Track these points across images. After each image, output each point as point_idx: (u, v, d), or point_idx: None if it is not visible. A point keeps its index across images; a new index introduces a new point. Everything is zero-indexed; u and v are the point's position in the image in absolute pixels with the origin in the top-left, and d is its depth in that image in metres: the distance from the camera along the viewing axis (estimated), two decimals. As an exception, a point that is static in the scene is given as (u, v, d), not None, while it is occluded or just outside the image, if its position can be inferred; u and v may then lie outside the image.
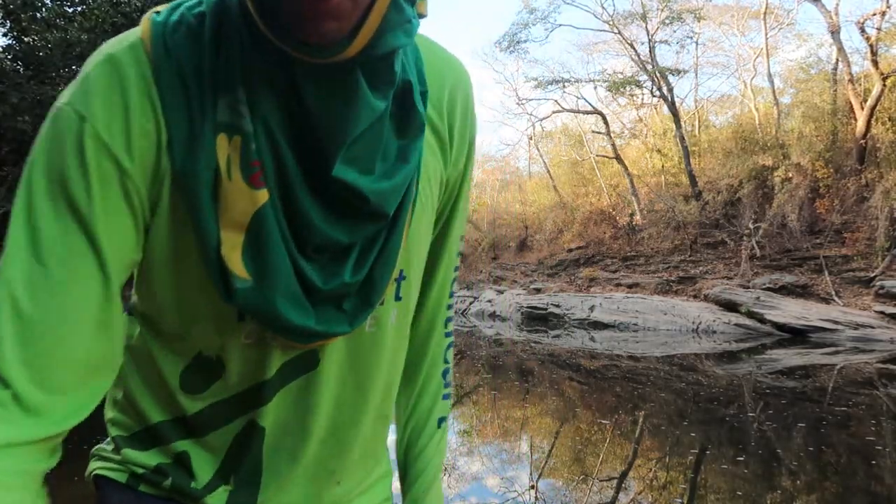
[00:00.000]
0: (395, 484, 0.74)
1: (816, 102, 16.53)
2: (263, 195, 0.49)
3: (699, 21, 20.91)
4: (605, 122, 23.01)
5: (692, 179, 18.21)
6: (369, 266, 0.55)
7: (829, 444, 4.28)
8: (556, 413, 5.45)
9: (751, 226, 15.21)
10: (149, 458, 0.60)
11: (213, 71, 0.49)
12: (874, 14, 14.34)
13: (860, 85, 15.04)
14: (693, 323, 13.11)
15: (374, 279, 0.56)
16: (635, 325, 13.87)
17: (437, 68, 0.61)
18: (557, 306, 16.00)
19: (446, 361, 0.77)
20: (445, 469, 3.60)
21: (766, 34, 18.98)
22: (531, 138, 28.37)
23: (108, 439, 0.64)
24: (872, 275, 12.48)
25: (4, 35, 9.30)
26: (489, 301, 19.07)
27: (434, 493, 0.73)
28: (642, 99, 23.99)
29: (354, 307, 0.56)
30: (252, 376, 0.57)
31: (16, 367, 0.45)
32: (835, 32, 15.41)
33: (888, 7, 14.11)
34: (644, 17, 20.37)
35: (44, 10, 9.35)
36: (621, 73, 23.19)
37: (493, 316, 17.71)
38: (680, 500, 3.17)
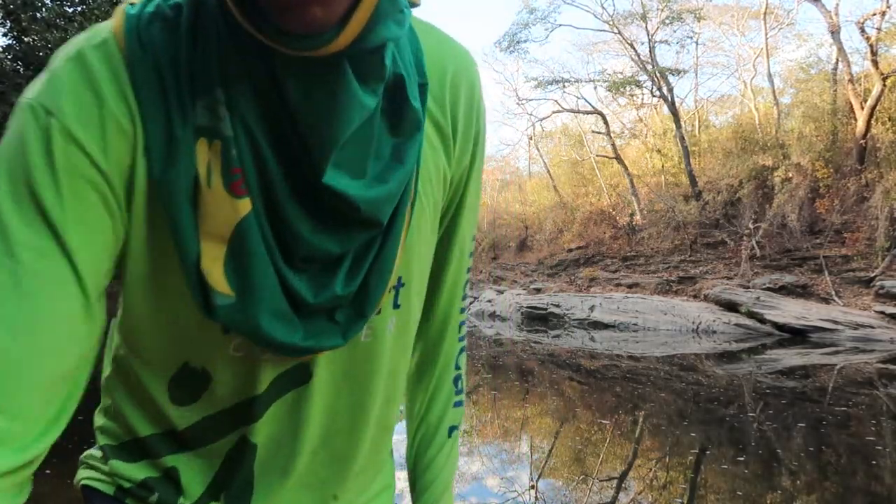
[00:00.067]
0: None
1: (816, 102, 16.53)
2: (246, 205, 0.45)
3: (699, 21, 20.91)
4: (605, 122, 23.01)
5: (692, 179, 18.21)
6: (363, 276, 0.51)
7: (829, 444, 4.28)
8: (556, 413, 5.45)
9: (751, 226, 15.21)
10: (136, 472, 0.58)
11: (190, 69, 0.44)
12: (874, 14, 14.34)
13: (860, 85, 15.04)
14: (693, 323, 13.10)
15: (369, 290, 0.52)
16: (635, 325, 13.87)
17: (438, 56, 0.56)
18: (557, 306, 16.00)
19: (458, 368, 0.72)
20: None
21: (766, 34, 18.98)
22: (531, 138, 28.39)
23: (98, 446, 0.61)
24: (872, 275, 12.48)
25: (4, 35, 9.31)
26: (489, 301, 19.07)
27: None
28: (642, 99, 24.01)
29: (348, 319, 0.52)
30: (242, 390, 0.54)
31: None
32: (835, 32, 15.41)
33: (888, 7, 14.11)
34: (644, 17, 20.37)
35: (44, 10, 9.35)
36: (621, 73, 23.21)
37: (493, 316, 17.71)
38: (680, 500, 3.16)
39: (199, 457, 0.57)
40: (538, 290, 19.50)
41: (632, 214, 20.14)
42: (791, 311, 12.23)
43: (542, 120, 29.50)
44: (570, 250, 21.20)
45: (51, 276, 0.42)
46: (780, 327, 11.90)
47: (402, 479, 0.74)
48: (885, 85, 13.78)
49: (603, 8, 29.64)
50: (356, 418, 0.59)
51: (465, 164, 0.61)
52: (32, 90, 0.43)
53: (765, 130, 17.76)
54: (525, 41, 24.14)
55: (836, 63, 16.28)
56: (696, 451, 4.13)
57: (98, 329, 0.46)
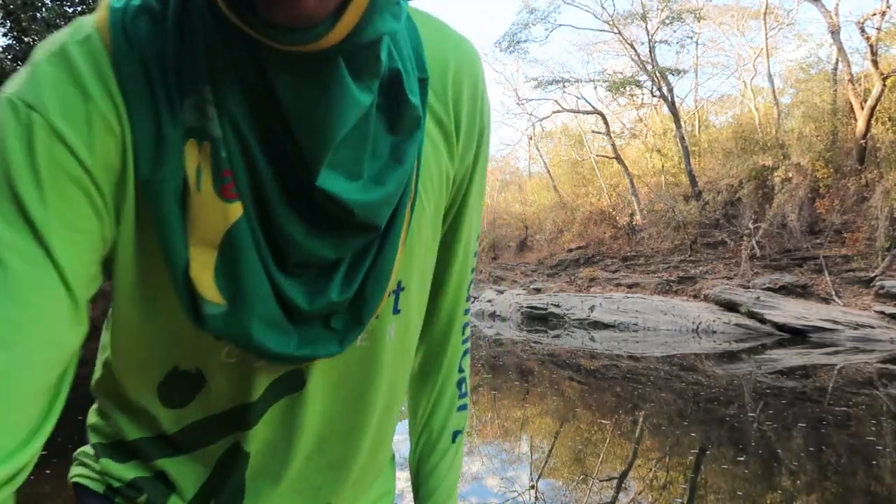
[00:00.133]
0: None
1: (816, 102, 16.53)
2: (237, 209, 0.43)
3: (699, 21, 20.91)
4: (605, 122, 23.01)
5: (692, 179, 18.21)
6: (360, 281, 0.49)
7: (829, 444, 4.28)
8: (556, 413, 5.45)
9: (751, 226, 15.20)
10: (126, 472, 0.56)
11: (177, 65, 0.41)
12: (874, 14, 14.34)
13: (860, 85, 15.04)
14: (693, 323, 13.10)
15: (366, 295, 0.49)
16: (635, 325, 13.87)
17: (440, 49, 0.53)
18: (557, 306, 15.99)
19: (461, 371, 0.71)
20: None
21: (766, 34, 18.98)
22: (531, 138, 28.39)
23: (90, 444, 0.60)
24: (872, 275, 12.48)
25: (4, 35, 9.31)
26: (489, 301, 19.06)
27: None
28: (642, 99, 24.01)
29: (344, 326, 0.50)
30: (236, 396, 0.52)
31: None
32: (835, 32, 15.41)
33: (888, 7, 14.11)
34: (644, 17, 20.37)
35: (44, 10, 9.36)
36: (621, 73, 23.20)
37: (493, 316, 17.71)
38: (680, 500, 3.16)
39: (190, 461, 0.55)
40: (538, 290, 19.49)
41: (632, 214, 20.13)
42: (791, 311, 12.23)
43: (542, 120, 29.53)
44: (570, 250, 21.20)
45: (34, 280, 0.39)
46: (780, 327, 11.90)
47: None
48: (885, 85, 13.77)
49: (603, 8, 29.68)
50: (352, 425, 0.57)
51: (469, 162, 0.58)
52: (13, 85, 0.41)
53: (765, 130, 17.76)
54: (525, 41, 24.17)
55: (836, 63, 16.28)
56: (696, 451, 4.13)
57: (83, 332, 0.43)
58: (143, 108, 0.41)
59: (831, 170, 14.65)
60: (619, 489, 3.36)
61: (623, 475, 3.62)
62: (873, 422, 4.89)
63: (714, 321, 12.87)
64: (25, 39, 9.25)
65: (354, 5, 0.37)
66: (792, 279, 13.67)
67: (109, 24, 0.41)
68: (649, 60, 20.50)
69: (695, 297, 15.16)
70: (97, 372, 0.59)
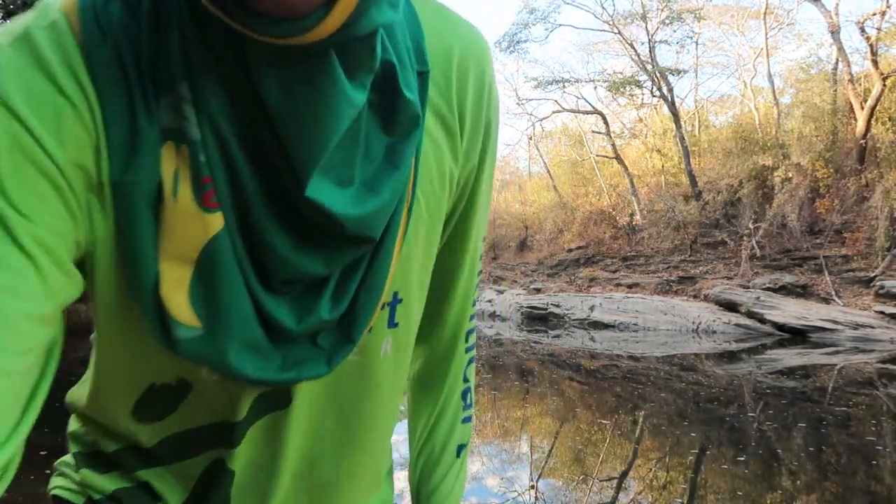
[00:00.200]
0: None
1: (816, 102, 16.53)
2: (218, 220, 0.38)
3: (699, 21, 20.92)
4: (605, 122, 23.01)
5: (692, 179, 18.21)
6: (351, 296, 0.44)
7: (830, 444, 4.28)
8: (556, 413, 5.45)
9: (751, 226, 15.21)
10: (107, 483, 0.53)
11: (153, 58, 0.37)
12: (874, 14, 14.34)
13: (860, 85, 15.04)
14: (693, 323, 13.10)
15: (357, 310, 0.45)
16: (635, 325, 13.87)
17: (442, 37, 0.48)
18: (557, 306, 15.99)
19: (466, 380, 0.66)
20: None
21: (766, 34, 18.98)
22: (531, 138, 28.39)
23: (71, 453, 0.57)
24: (872, 275, 12.48)
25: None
26: (489, 301, 19.06)
27: None
28: (642, 99, 24.01)
29: (333, 344, 0.45)
30: (220, 412, 0.48)
31: None
32: (835, 32, 15.41)
33: (888, 7, 14.11)
34: (644, 17, 20.37)
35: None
36: (621, 73, 23.20)
37: (493, 316, 17.71)
38: (680, 500, 3.16)
39: (171, 474, 0.52)
40: (538, 290, 19.49)
41: (632, 214, 20.14)
42: (791, 311, 12.23)
43: (542, 120, 29.55)
44: (570, 250, 21.20)
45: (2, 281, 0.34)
46: (780, 327, 11.90)
47: (401, 479, 0.73)
48: (885, 85, 13.78)
49: (603, 8, 29.58)
50: (343, 443, 0.53)
51: (474, 160, 0.53)
52: None
53: (765, 130, 17.76)
54: (525, 41, 24.16)
55: (836, 63, 16.29)
56: (696, 451, 4.12)
57: (54, 332, 0.38)
58: (118, 102, 0.37)
59: (831, 170, 14.65)
60: (619, 489, 3.36)
61: (623, 475, 3.62)
62: (873, 422, 4.89)
63: (714, 321, 12.87)
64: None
65: None
66: (792, 279, 13.67)
67: (79, 9, 0.37)
68: (649, 60, 20.51)
69: (695, 297, 15.16)
70: (78, 385, 0.57)
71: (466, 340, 0.65)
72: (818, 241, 13.97)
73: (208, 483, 0.51)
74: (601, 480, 3.47)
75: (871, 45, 14.11)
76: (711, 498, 3.24)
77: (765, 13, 19.01)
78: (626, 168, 21.09)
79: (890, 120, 14.17)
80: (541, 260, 22.57)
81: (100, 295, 0.42)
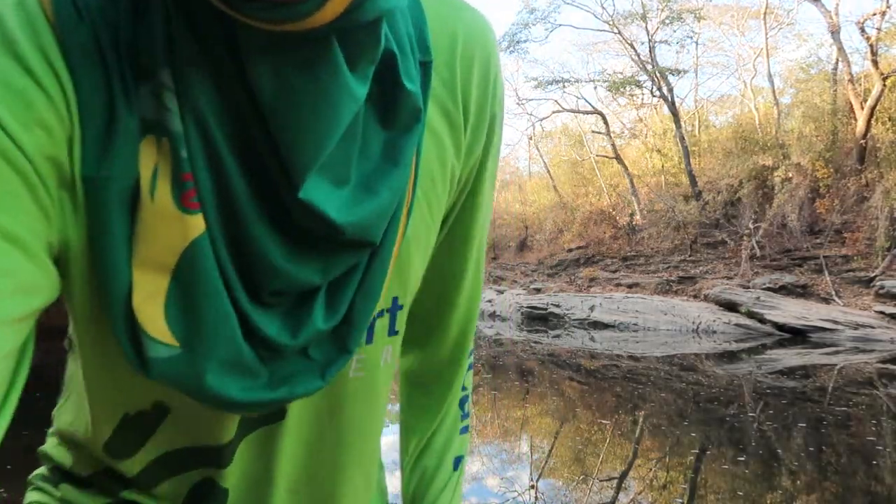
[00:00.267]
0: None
1: (816, 102, 16.53)
2: (198, 223, 0.34)
3: (699, 21, 20.91)
4: (605, 122, 23.01)
5: (692, 179, 18.21)
6: (348, 304, 0.40)
7: (830, 444, 4.28)
8: (556, 413, 5.45)
9: (751, 226, 15.20)
10: (89, 501, 0.49)
11: (133, 42, 0.33)
12: (874, 14, 14.34)
13: (860, 85, 15.04)
14: (693, 323, 13.10)
15: (354, 318, 0.41)
16: (635, 325, 13.87)
17: (445, 23, 0.44)
18: (557, 306, 15.99)
19: (465, 388, 0.63)
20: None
21: (766, 34, 18.98)
22: (531, 138, 28.39)
23: (47, 466, 0.52)
24: (873, 275, 12.48)
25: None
26: (489, 301, 19.06)
27: None
28: (642, 99, 24.00)
29: (327, 355, 0.41)
30: (204, 436, 0.44)
31: None
32: (835, 32, 15.41)
33: (888, 7, 14.11)
34: (644, 17, 20.37)
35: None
36: (621, 73, 23.20)
37: (492, 316, 17.71)
38: (680, 500, 3.16)
39: (159, 493, 0.48)
40: (538, 290, 19.49)
41: (632, 214, 20.13)
42: (791, 311, 12.23)
43: (542, 120, 29.50)
44: (570, 250, 21.20)
45: None
46: (780, 327, 11.90)
47: (397, 476, 0.72)
48: (885, 85, 13.77)
49: (603, 8, 29.62)
50: (342, 457, 0.50)
51: (478, 155, 0.49)
52: None
53: (765, 130, 17.76)
54: (525, 41, 24.14)
55: (836, 63, 16.28)
56: (697, 451, 4.13)
57: (33, 326, 0.35)
58: (94, 89, 0.32)
59: (831, 170, 14.65)
60: (619, 489, 3.36)
61: (623, 475, 3.62)
62: (873, 422, 4.89)
63: (714, 321, 12.87)
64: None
65: None
66: (792, 279, 13.67)
67: None
68: (649, 60, 20.51)
69: (695, 297, 15.16)
70: (59, 403, 0.53)
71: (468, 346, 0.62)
72: (818, 241, 13.97)
73: (199, 501, 0.47)
74: (601, 480, 3.47)
75: (871, 45, 14.11)
76: (711, 498, 3.24)
77: (765, 13, 19.00)
78: (626, 168, 21.09)
79: (890, 120, 14.17)
80: (541, 260, 22.57)
81: (73, 305, 0.38)
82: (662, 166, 21.63)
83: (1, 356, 0.31)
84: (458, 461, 0.62)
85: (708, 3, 21.52)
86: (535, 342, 11.36)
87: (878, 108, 14.08)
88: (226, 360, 0.36)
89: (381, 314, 0.46)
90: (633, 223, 19.74)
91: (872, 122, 14.22)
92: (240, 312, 0.36)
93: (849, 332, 11.13)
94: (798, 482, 3.46)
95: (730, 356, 9.31)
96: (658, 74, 20.03)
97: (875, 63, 14.01)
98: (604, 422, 5.03)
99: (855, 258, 13.04)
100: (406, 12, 0.41)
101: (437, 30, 0.44)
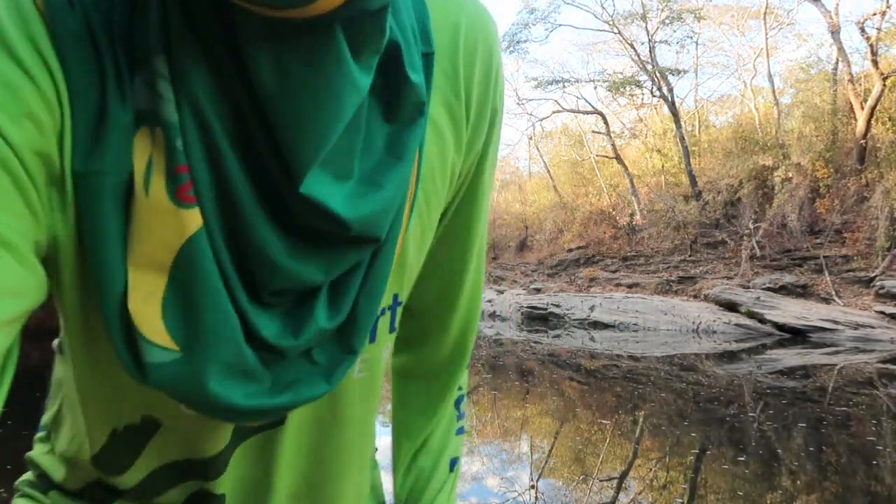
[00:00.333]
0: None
1: (816, 102, 16.53)
2: (195, 218, 0.32)
3: (699, 21, 20.91)
4: (605, 122, 23.01)
5: (692, 179, 18.21)
6: (352, 302, 0.39)
7: (830, 444, 4.28)
8: (557, 413, 5.45)
9: (751, 226, 15.20)
10: None
11: (127, 30, 0.32)
12: (874, 14, 14.34)
13: (860, 85, 15.04)
14: (693, 323, 13.10)
15: (358, 317, 0.39)
16: (635, 325, 13.87)
17: (447, 16, 0.43)
18: (557, 306, 15.99)
19: (461, 388, 0.61)
20: (445, 469, 3.59)
21: (766, 34, 18.98)
22: (531, 138, 28.39)
23: (34, 474, 0.51)
24: (873, 275, 12.48)
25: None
26: (489, 301, 19.06)
27: None
28: (642, 99, 24.00)
29: (332, 358, 0.39)
30: (200, 447, 0.42)
31: None
32: (835, 32, 15.41)
33: (888, 7, 14.11)
34: (644, 17, 20.37)
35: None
36: (621, 73, 23.20)
37: (493, 316, 17.71)
38: (680, 500, 3.16)
39: None
40: (538, 290, 19.49)
41: (632, 214, 20.14)
42: (791, 311, 12.23)
43: (542, 120, 29.49)
44: (570, 250, 21.20)
45: None
46: (781, 327, 11.90)
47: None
48: (885, 85, 13.78)
49: (603, 8, 29.65)
50: (343, 459, 0.49)
51: (478, 149, 0.48)
52: None
53: (765, 130, 17.76)
54: (525, 41, 24.15)
55: (836, 63, 16.29)
56: (697, 451, 4.13)
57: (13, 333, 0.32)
58: (86, 79, 0.31)
59: (831, 170, 14.65)
60: (619, 489, 3.36)
61: (623, 475, 3.62)
62: (873, 422, 4.89)
63: (714, 321, 12.86)
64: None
65: None
66: (792, 279, 13.67)
67: None
68: (649, 60, 20.51)
69: (695, 297, 15.16)
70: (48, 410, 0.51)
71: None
72: (818, 241, 13.97)
73: None
74: (601, 480, 3.47)
75: (871, 45, 14.11)
76: (711, 498, 3.24)
77: (765, 13, 19.00)
78: (626, 168, 21.09)
79: (890, 120, 14.17)
80: (541, 260, 22.57)
81: (63, 306, 0.36)
82: (662, 166, 21.63)
83: None
84: (454, 462, 0.60)
85: (708, 3, 21.54)
86: (535, 342, 11.36)
87: (878, 108, 14.08)
88: (228, 364, 0.34)
89: (382, 312, 0.45)
90: (633, 223, 19.74)
91: (872, 122, 14.21)
92: (239, 313, 0.35)
93: (849, 332, 11.13)
94: (798, 482, 3.46)
95: (730, 356, 9.31)
96: (658, 74, 20.03)
97: (875, 63, 14.01)
98: (604, 422, 5.03)
99: (855, 258, 13.04)
100: (409, 2, 0.40)
101: (440, 21, 0.42)
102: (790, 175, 15.07)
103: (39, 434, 0.51)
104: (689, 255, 16.83)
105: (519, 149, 44.50)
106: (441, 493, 0.58)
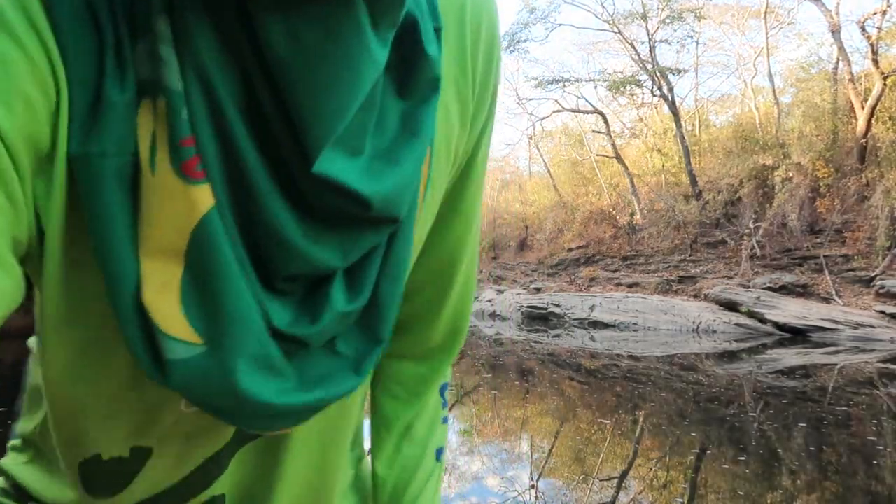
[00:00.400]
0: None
1: (817, 102, 16.53)
2: (206, 196, 0.29)
3: (699, 20, 20.90)
4: (606, 122, 23.00)
5: (692, 179, 18.21)
6: (371, 285, 0.36)
7: (830, 444, 4.28)
8: (557, 412, 5.45)
9: (751, 225, 15.20)
10: None
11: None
12: (875, 13, 14.33)
13: (861, 84, 15.04)
14: (693, 322, 13.10)
15: (381, 304, 0.37)
16: (635, 324, 13.87)
17: None
18: (557, 306, 15.99)
19: (445, 375, 0.59)
20: (445, 469, 3.59)
21: (767, 33, 18.97)
22: (531, 138, 28.39)
23: (7, 483, 0.47)
24: (873, 274, 12.48)
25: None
26: (489, 301, 19.06)
27: None
28: (642, 98, 24.01)
29: (358, 347, 0.37)
30: (198, 454, 0.39)
31: None
32: (835, 32, 15.40)
33: (888, 6, 14.10)
34: (644, 17, 20.36)
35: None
36: (621, 72, 23.20)
37: (493, 315, 17.71)
38: (680, 500, 3.16)
39: None
40: (538, 290, 19.49)
41: (632, 214, 20.13)
42: (791, 310, 12.23)
43: (542, 119, 29.46)
44: (571, 250, 21.20)
45: None
46: (781, 327, 11.90)
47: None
48: (885, 84, 13.77)
49: (603, 7, 29.59)
50: (341, 462, 0.47)
51: (478, 129, 0.46)
52: None
53: (765, 130, 17.76)
54: (525, 41, 24.13)
55: (837, 62, 16.28)
56: (697, 450, 4.12)
57: None
58: (84, 53, 0.28)
59: (832, 169, 14.65)
60: (619, 489, 3.36)
61: (623, 475, 3.62)
62: (874, 421, 4.89)
63: (714, 321, 12.86)
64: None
65: None
66: (792, 279, 13.67)
67: None
68: (649, 60, 20.50)
69: (695, 296, 15.16)
70: (24, 417, 0.47)
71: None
72: (818, 240, 13.96)
73: None
74: (601, 480, 3.47)
75: (871, 45, 14.11)
76: (712, 497, 3.24)
77: (765, 12, 18.99)
78: (626, 167, 21.08)
79: (890, 119, 14.16)
80: (541, 259, 22.57)
81: (45, 303, 0.32)
82: (663, 166, 21.62)
83: None
84: (440, 452, 0.57)
85: (708, 2, 21.53)
86: (536, 342, 11.36)
87: (878, 107, 14.08)
88: (255, 357, 0.32)
89: None
90: (634, 223, 19.74)
91: (873, 121, 14.21)
92: (257, 301, 0.32)
93: (849, 331, 11.13)
94: (798, 482, 3.46)
95: (730, 356, 9.31)
96: (658, 74, 20.02)
97: (875, 62, 14.00)
98: (604, 421, 5.03)
99: (855, 258, 13.03)
100: None
101: None
102: (790, 174, 15.07)
103: (13, 442, 0.47)
104: (690, 255, 16.82)
105: (519, 148, 44.54)
106: (428, 485, 0.55)
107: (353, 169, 0.32)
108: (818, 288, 13.24)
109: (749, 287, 13.82)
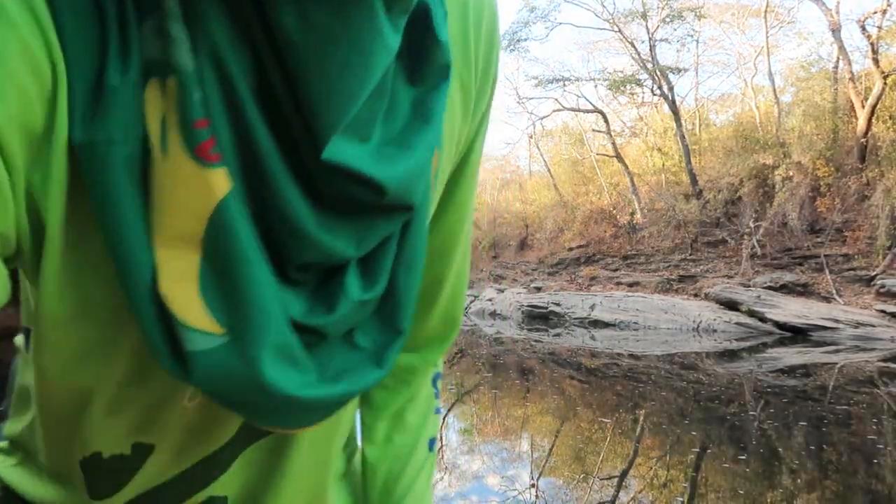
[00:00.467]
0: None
1: (817, 101, 16.52)
2: (222, 179, 0.28)
3: (700, 19, 20.89)
4: (606, 121, 22.99)
5: (693, 178, 18.20)
6: (387, 274, 0.36)
7: (830, 443, 4.28)
8: (557, 412, 5.45)
9: (751, 224, 15.20)
10: None
11: None
12: (875, 12, 14.32)
13: (861, 83, 15.03)
14: (693, 321, 13.10)
15: (399, 294, 0.36)
16: (636, 323, 13.86)
17: None
18: (558, 305, 15.99)
19: (436, 365, 0.58)
20: (445, 468, 3.60)
21: (767, 32, 18.96)
22: (531, 137, 28.37)
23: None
24: (873, 273, 12.47)
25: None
26: (489, 300, 19.06)
27: None
28: (643, 97, 23.99)
29: (378, 339, 0.36)
30: (198, 450, 0.39)
31: None
32: (835, 31, 15.39)
33: (889, 5, 14.09)
34: (644, 16, 20.35)
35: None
36: (622, 71, 23.19)
37: (493, 315, 17.71)
38: (681, 499, 3.16)
39: None
40: (539, 289, 19.49)
41: (632, 213, 20.13)
42: (792, 309, 12.23)
43: (542, 118, 29.43)
44: (571, 249, 21.20)
45: None
46: (781, 326, 11.89)
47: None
48: (885, 83, 13.76)
49: (603, 6, 29.50)
50: (336, 460, 0.47)
51: (477, 118, 0.45)
52: None
53: (765, 129, 17.75)
54: (525, 39, 24.14)
55: (837, 61, 16.27)
56: (697, 449, 4.12)
57: None
58: (85, 33, 0.26)
59: (832, 168, 14.65)
60: (619, 488, 3.36)
61: (623, 474, 3.62)
62: (874, 420, 4.89)
63: (714, 320, 12.86)
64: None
65: None
66: (792, 278, 13.67)
67: None
68: (650, 59, 20.49)
69: (695, 295, 15.16)
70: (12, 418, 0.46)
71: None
72: (819, 239, 13.96)
73: None
74: (602, 479, 3.47)
75: (871, 44, 14.10)
76: (712, 497, 3.24)
77: (765, 11, 18.98)
78: (626, 167, 21.08)
79: (891, 118, 14.16)
80: (541, 259, 22.57)
81: (41, 302, 0.31)
82: (663, 165, 21.62)
83: None
84: (432, 442, 0.56)
85: (708, 1, 21.51)
86: (536, 341, 11.36)
87: (878, 106, 14.07)
88: (277, 347, 0.30)
89: None
90: (634, 222, 19.74)
91: (873, 120, 14.20)
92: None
93: (849, 330, 11.12)
94: (799, 481, 3.46)
95: (730, 355, 9.31)
96: (658, 73, 20.01)
97: (876, 61, 13.99)
98: (604, 420, 5.03)
99: (855, 257, 13.03)
100: None
101: None
102: (791, 174, 15.06)
103: (0, 444, 0.46)
104: (690, 254, 16.82)
105: (519, 147, 44.53)
106: (420, 475, 0.54)
107: (364, 154, 0.31)
108: (818, 287, 13.24)
109: (749, 286, 13.82)
